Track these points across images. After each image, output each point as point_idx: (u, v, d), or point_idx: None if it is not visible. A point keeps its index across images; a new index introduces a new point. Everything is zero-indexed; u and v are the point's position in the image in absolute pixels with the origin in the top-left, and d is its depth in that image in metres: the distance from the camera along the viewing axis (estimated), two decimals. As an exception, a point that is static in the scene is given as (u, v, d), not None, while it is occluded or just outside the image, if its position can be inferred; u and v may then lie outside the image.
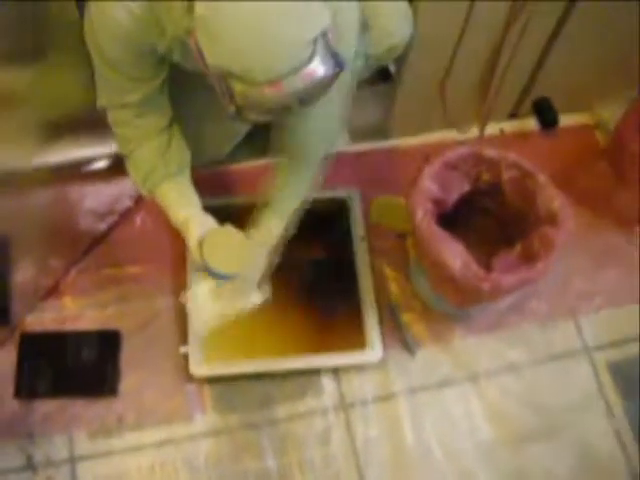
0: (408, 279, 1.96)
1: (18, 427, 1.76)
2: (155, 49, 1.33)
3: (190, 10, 1.12)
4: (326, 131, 1.55)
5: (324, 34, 1.12)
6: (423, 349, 1.90)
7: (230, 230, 1.57)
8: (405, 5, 1.65)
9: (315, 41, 1.10)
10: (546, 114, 2.19)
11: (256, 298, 1.65)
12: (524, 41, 1.87)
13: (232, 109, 1.17)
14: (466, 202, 1.80)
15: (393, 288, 1.96)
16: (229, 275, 1.56)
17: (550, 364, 1.93)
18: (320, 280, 1.86)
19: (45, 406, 1.78)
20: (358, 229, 1.95)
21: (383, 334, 1.85)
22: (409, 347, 1.89)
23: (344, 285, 1.88)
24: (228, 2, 1.08)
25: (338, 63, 1.15)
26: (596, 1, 1.80)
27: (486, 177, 1.76)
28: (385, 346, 1.84)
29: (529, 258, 1.66)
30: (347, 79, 1.43)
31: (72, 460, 1.74)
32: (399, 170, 2.03)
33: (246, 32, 1.08)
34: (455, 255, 1.61)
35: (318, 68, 1.12)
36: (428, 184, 1.69)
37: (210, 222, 1.58)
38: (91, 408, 1.79)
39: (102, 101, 1.46)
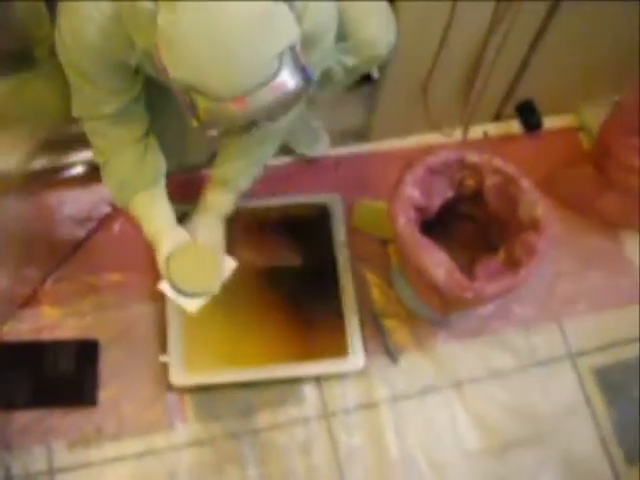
0: (390, 285, 1.94)
1: (-5, 438, 1.74)
2: (128, 62, 1.30)
3: (155, 22, 1.09)
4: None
5: (292, 47, 1.09)
6: (406, 356, 1.89)
7: (199, 247, 1.56)
8: (388, 14, 1.62)
9: (281, 56, 1.07)
10: (529, 116, 2.17)
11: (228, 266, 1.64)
12: (507, 43, 1.85)
13: (195, 124, 1.14)
14: (449, 207, 1.78)
15: (375, 294, 1.94)
16: (194, 293, 1.56)
17: (535, 370, 1.92)
18: (301, 287, 1.84)
19: (23, 417, 1.75)
20: (340, 235, 1.92)
21: (365, 341, 1.84)
22: (391, 354, 1.87)
23: (326, 292, 1.85)
24: (187, 15, 1.04)
25: (306, 77, 1.12)
26: (580, 2, 1.79)
27: (469, 183, 1.74)
28: (367, 353, 1.82)
29: (512, 264, 1.64)
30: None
31: (51, 472, 1.72)
32: (381, 174, 2.00)
33: (206, 47, 1.05)
34: (438, 264, 1.59)
35: (284, 83, 1.09)
36: (410, 191, 1.66)
37: (181, 237, 1.57)
38: (70, 418, 1.76)
39: (77, 111, 1.44)
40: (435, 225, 1.74)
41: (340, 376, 1.84)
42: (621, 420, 1.88)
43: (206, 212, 1.65)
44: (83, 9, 1.23)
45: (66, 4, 1.26)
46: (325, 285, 1.87)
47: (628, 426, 1.87)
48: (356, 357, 1.79)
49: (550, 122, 2.21)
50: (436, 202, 1.74)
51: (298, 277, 1.77)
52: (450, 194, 1.76)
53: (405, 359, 1.88)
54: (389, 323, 1.91)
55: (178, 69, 1.08)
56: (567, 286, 2.01)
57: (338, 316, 1.83)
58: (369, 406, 1.83)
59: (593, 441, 1.86)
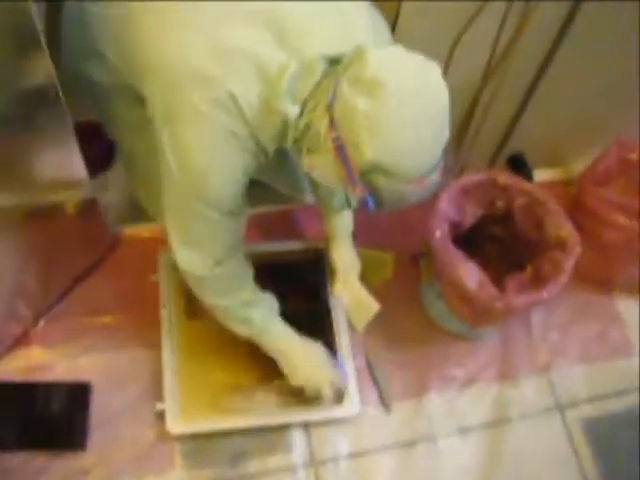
0: (385, 330, 1.95)
1: (-20, 479, 1.71)
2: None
3: (322, 113, 1.21)
4: None
5: None
6: (398, 405, 1.89)
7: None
8: None
9: None
10: (520, 170, 2.21)
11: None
12: (499, 97, 1.89)
13: (371, 204, 1.23)
14: (477, 229, 1.88)
15: (370, 341, 1.94)
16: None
17: (523, 420, 1.92)
18: (296, 332, 1.83)
19: (10, 458, 1.72)
20: (334, 280, 1.92)
21: (358, 389, 1.83)
22: (384, 403, 1.87)
23: (321, 338, 1.84)
24: (396, 102, 1.14)
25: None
26: (573, 57, 1.84)
27: (500, 203, 1.85)
28: (359, 401, 1.81)
29: (539, 280, 1.74)
30: None
31: (35, 515, 1.68)
32: (369, 221, 1.99)
33: (413, 130, 1.15)
34: (471, 274, 1.69)
35: (441, 166, 1.23)
36: (445, 206, 1.77)
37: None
38: (57, 462, 1.73)
39: (212, 259, 1.50)
40: (463, 245, 1.79)
41: (330, 423, 1.83)
42: (607, 472, 1.88)
43: (340, 239, 1.84)
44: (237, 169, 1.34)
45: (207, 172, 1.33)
46: (320, 331, 1.86)
47: (615, 479, 1.88)
48: (350, 405, 1.78)
49: (541, 175, 2.26)
50: (469, 220, 1.85)
51: (293, 322, 1.76)
52: (481, 213, 1.86)
53: (397, 408, 1.88)
54: (382, 371, 1.91)
55: (377, 151, 1.16)
56: (557, 337, 2.04)
57: (332, 362, 1.82)
58: (359, 455, 1.82)
59: (581, 493, 1.86)
